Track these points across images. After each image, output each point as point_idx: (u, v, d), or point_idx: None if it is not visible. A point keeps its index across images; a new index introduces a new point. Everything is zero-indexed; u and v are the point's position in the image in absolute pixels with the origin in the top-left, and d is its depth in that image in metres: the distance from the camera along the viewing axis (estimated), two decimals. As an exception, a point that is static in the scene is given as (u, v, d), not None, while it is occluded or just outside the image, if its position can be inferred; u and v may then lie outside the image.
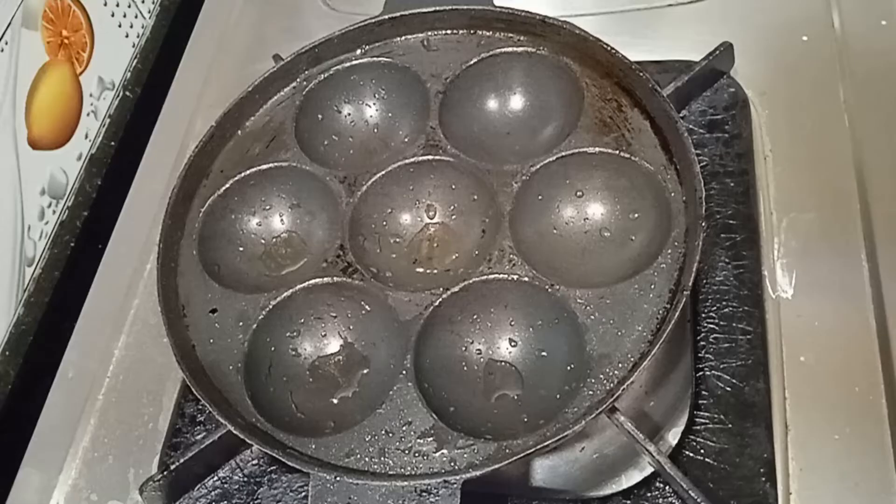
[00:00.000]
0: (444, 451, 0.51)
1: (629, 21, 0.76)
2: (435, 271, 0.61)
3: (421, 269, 0.62)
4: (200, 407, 0.63)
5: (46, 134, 0.71)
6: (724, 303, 0.60)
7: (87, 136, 0.76)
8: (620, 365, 0.52)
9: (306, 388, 0.59)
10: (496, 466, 0.49)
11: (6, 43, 0.66)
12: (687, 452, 0.55)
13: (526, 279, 0.56)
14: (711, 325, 0.59)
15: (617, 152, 0.60)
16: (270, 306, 0.59)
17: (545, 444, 0.49)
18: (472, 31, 0.68)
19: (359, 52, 0.70)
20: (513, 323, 0.58)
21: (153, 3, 0.85)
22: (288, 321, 0.60)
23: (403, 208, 0.64)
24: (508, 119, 0.67)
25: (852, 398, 0.55)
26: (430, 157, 0.63)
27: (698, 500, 0.49)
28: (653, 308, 0.53)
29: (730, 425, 0.55)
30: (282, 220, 0.66)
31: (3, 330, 0.67)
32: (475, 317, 0.58)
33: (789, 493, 0.53)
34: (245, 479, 0.60)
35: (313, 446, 0.53)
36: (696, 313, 0.59)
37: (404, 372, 0.54)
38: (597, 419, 0.50)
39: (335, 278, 0.59)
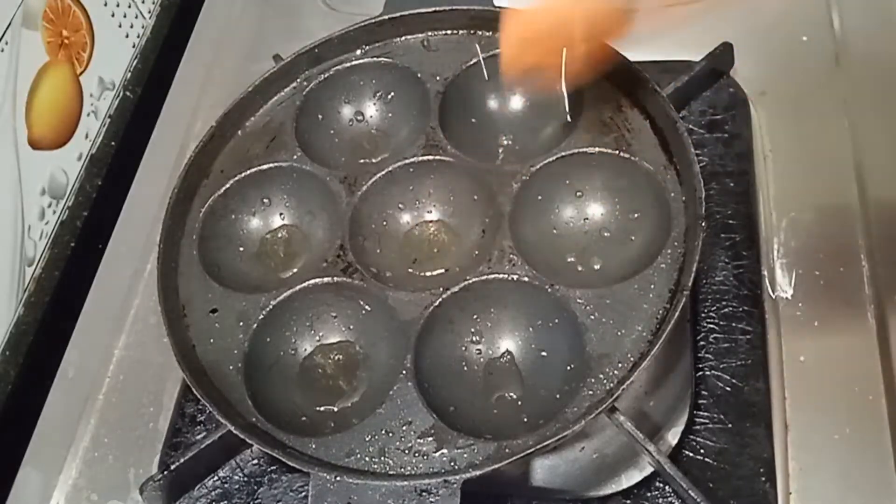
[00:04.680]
0: (444, 450, 0.51)
1: (629, 21, 0.76)
2: (435, 271, 0.61)
3: (421, 270, 0.62)
4: (201, 407, 0.63)
5: (47, 134, 0.71)
6: (723, 303, 0.60)
7: (87, 136, 0.76)
8: (620, 365, 0.52)
9: (306, 388, 0.59)
10: (496, 466, 0.49)
11: (6, 43, 0.66)
12: (687, 452, 0.55)
13: (526, 279, 0.56)
14: (711, 325, 0.59)
15: (617, 152, 0.60)
16: (271, 306, 0.59)
17: (545, 443, 0.49)
18: (472, 31, 0.68)
19: (359, 52, 0.70)
20: (513, 323, 0.58)
21: (153, 3, 0.85)
22: (288, 321, 0.60)
23: (403, 208, 0.64)
24: (508, 119, 0.68)
25: (852, 398, 0.55)
26: (430, 157, 0.63)
27: (698, 499, 0.49)
28: (653, 308, 0.53)
29: (730, 425, 0.55)
30: (282, 219, 0.66)
31: (3, 330, 0.66)
32: (475, 317, 0.58)
33: (789, 493, 0.53)
34: (245, 478, 0.60)
35: (313, 446, 0.53)
36: (695, 313, 0.59)
37: (404, 372, 0.54)
38: (597, 419, 0.50)
39: (335, 278, 0.59)
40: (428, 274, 0.61)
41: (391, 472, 0.51)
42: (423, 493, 0.48)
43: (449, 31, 0.69)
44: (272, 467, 0.60)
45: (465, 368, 0.57)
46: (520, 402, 0.56)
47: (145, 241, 0.73)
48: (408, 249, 0.63)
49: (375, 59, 0.69)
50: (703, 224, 0.53)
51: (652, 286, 0.54)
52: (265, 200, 0.66)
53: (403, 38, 0.70)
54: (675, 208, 0.56)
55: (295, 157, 0.66)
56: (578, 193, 0.61)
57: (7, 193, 0.66)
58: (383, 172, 0.63)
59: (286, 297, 0.59)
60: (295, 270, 0.63)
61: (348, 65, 0.69)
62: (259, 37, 0.86)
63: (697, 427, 0.56)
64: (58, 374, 0.68)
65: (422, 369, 0.55)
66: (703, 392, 0.57)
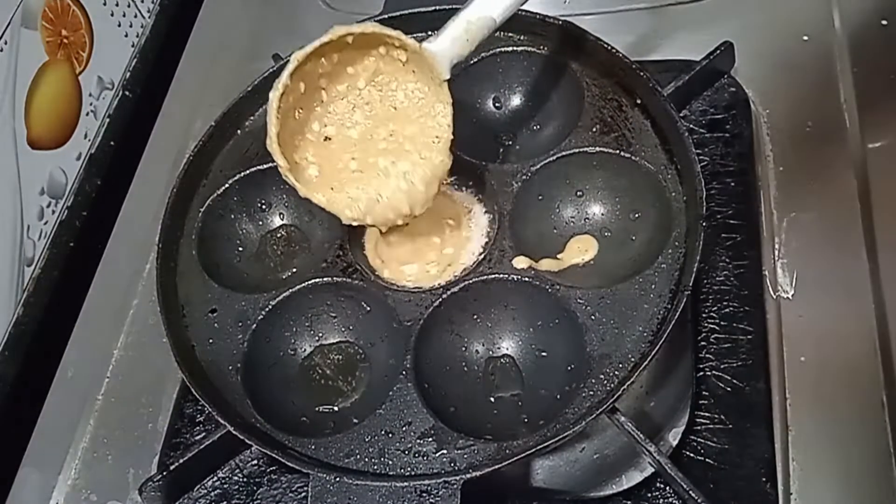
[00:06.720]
0: (444, 451, 0.51)
1: (629, 21, 0.76)
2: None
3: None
4: (200, 407, 0.63)
5: (46, 134, 0.71)
6: (724, 303, 0.60)
7: (86, 136, 0.76)
8: (621, 365, 0.52)
9: (306, 388, 0.59)
10: (496, 467, 0.49)
11: (6, 43, 0.66)
12: (687, 453, 0.55)
13: (526, 279, 0.56)
14: (712, 325, 0.59)
15: (617, 152, 0.60)
16: (270, 306, 0.59)
17: (545, 444, 0.49)
18: (472, 31, 0.68)
19: (359, 51, 0.69)
20: (513, 323, 0.58)
21: (153, 2, 0.85)
22: (288, 321, 0.60)
23: (403, 208, 0.64)
24: (508, 119, 0.67)
25: (852, 398, 0.55)
26: (429, 156, 0.63)
27: (699, 500, 0.49)
28: (653, 308, 0.53)
29: (730, 425, 0.55)
30: (282, 219, 0.66)
31: (3, 330, 0.67)
32: (475, 317, 0.58)
33: (789, 493, 0.53)
34: (245, 479, 0.60)
35: (313, 447, 0.53)
36: (696, 313, 0.59)
37: (404, 372, 0.54)
38: (597, 419, 0.50)
39: (335, 278, 0.59)
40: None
41: (391, 473, 0.51)
42: (423, 494, 0.48)
43: (449, 31, 0.69)
44: (272, 468, 0.60)
45: (465, 368, 0.57)
46: (520, 403, 0.55)
47: (145, 241, 0.73)
48: (408, 249, 0.63)
49: (375, 58, 0.69)
50: (704, 224, 0.52)
51: (652, 286, 0.54)
52: (264, 200, 0.66)
53: (403, 37, 0.69)
54: (676, 208, 0.56)
55: (294, 156, 0.65)
56: (579, 193, 0.61)
57: (6, 193, 0.66)
58: (383, 172, 0.63)
59: (286, 297, 0.59)
60: (295, 270, 0.63)
61: (348, 64, 0.69)
62: (259, 37, 0.86)
63: (698, 427, 0.55)
64: (57, 374, 0.68)
65: (422, 369, 0.55)
66: (704, 392, 0.57)
